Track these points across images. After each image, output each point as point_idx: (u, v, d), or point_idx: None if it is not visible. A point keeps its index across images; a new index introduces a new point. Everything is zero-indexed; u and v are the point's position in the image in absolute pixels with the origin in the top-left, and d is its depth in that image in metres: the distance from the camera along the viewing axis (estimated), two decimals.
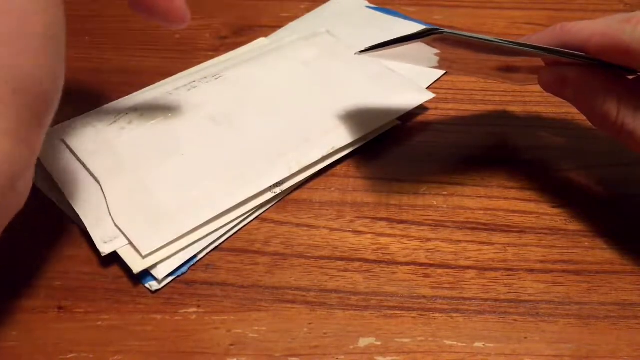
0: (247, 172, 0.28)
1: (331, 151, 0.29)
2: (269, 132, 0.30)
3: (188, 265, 0.25)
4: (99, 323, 0.23)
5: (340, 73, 0.34)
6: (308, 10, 0.42)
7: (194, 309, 0.24)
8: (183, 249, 0.25)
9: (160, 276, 0.24)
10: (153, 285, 0.24)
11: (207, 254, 0.26)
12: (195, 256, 0.26)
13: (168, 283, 0.25)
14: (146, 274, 0.25)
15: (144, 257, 0.24)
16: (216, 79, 0.33)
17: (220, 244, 0.26)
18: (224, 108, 0.31)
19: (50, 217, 0.27)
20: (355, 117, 0.31)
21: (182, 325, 0.23)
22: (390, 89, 0.33)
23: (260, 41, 0.39)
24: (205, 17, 0.43)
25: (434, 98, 0.33)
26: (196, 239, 0.26)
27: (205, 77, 0.33)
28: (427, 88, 0.35)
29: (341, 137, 0.30)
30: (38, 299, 0.24)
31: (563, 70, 0.25)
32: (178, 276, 0.25)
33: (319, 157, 0.29)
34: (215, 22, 0.42)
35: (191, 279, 0.25)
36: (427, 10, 0.43)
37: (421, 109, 0.34)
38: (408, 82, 0.34)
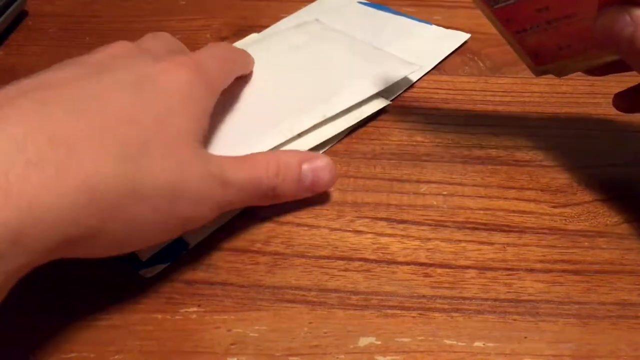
0: (239, 147, 0.28)
1: (322, 119, 0.30)
2: (261, 108, 0.31)
3: (178, 252, 0.25)
4: (100, 322, 0.23)
5: (329, 53, 0.36)
6: None
7: (195, 309, 0.24)
8: None
9: (143, 257, 0.25)
10: (147, 272, 0.25)
11: (199, 243, 0.26)
12: (186, 244, 0.26)
13: (168, 281, 0.25)
14: (139, 264, 0.25)
15: None
16: None
17: (213, 234, 0.26)
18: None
19: None
20: (344, 90, 0.32)
21: (183, 324, 0.23)
22: (377, 64, 0.35)
23: (253, 36, 0.40)
24: (206, 18, 0.43)
25: (434, 98, 0.33)
26: None
27: None
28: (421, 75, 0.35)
29: (331, 107, 0.31)
30: (38, 299, 0.24)
31: (627, 9, 0.23)
32: (169, 264, 0.25)
33: (311, 124, 0.30)
34: (215, 22, 0.42)
35: (192, 278, 0.25)
36: (427, 11, 0.43)
37: (421, 108, 0.34)
38: (394, 57, 0.35)
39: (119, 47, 0.25)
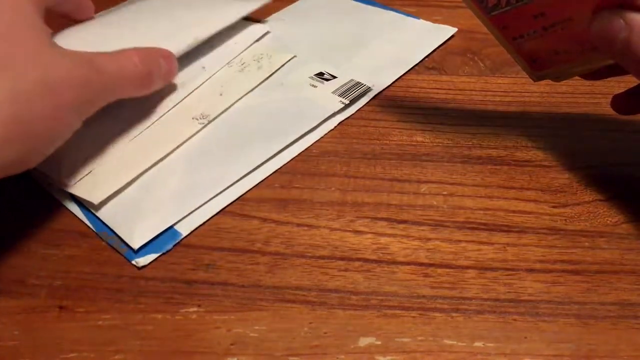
0: None
1: (194, 41, 0.34)
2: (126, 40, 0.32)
3: (171, 242, 0.26)
4: (100, 322, 0.23)
5: None
6: None
7: (195, 309, 0.24)
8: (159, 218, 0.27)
9: (135, 245, 0.25)
10: (140, 262, 0.25)
11: (199, 243, 0.26)
12: (178, 233, 0.26)
13: (168, 281, 0.25)
14: (132, 253, 0.26)
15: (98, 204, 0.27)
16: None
17: (213, 234, 0.26)
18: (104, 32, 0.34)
19: (51, 218, 0.27)
20: (209, 19, 0.36)
21: (183, 324, 0.23)
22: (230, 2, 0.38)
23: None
24: None
25: (434, 98, 0.33)
26: (157, 201, 0.27)
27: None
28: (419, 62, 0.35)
29: (201, 32, 0.35)
30: (39, 299, 0.24)
31: (621, 13, 0.23)
32: (163, 253, 0.25)
33: (180, 50, 0.33)
34: None
35: (192, 278, 0.25)
36: (428, 11, 0.43)
37: (421, 108, 0.34)
38: None
39: None
